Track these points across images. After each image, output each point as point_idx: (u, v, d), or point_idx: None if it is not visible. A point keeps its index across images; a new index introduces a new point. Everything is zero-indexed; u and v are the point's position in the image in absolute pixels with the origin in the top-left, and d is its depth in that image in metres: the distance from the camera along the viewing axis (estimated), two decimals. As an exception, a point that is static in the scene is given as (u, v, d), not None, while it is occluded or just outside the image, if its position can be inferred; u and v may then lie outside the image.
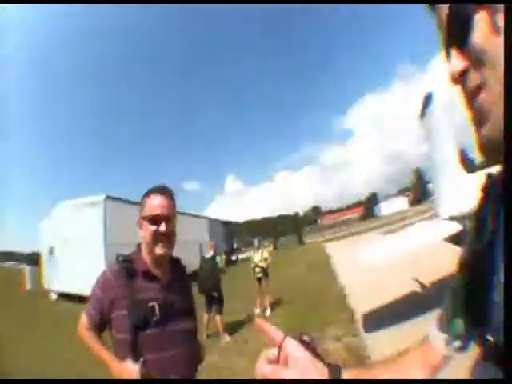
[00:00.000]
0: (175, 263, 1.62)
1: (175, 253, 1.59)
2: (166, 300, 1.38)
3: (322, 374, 0.52)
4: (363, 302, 5.94)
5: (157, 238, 1.38)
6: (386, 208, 54.23)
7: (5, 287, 22.22)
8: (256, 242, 8.09)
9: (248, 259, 16.96)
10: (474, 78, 0.42)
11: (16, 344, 6.97)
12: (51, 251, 16.80)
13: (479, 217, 0.53)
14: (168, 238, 1.42)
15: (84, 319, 1.46)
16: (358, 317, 5.37)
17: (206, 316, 5.99)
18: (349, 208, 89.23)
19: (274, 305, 7.45)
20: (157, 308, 1.32)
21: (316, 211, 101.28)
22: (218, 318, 5.88)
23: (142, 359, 1.27)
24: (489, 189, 0.51)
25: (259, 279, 7.36)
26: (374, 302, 5.65)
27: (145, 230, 1.41)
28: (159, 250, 1.39)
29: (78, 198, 14.72)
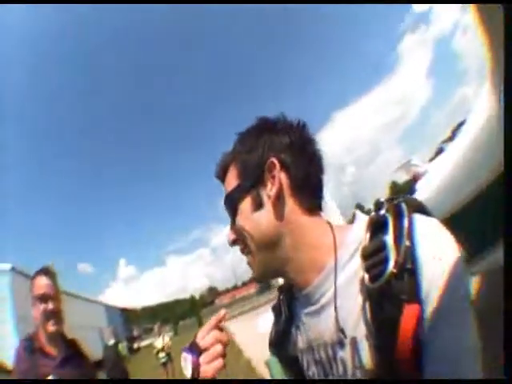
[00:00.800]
0: (71, 342, 1.66)
1: (75, 336, 1.68)
2: (60, 376, 1.42)
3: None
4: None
5: (46, 316, 1.45)
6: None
7: None
8: (156, 328, 8.13)
9: (150, 346, 15.98)
10: (240, 244, 0.66)
11: None
12: None
13: (276, 306, 0.77)
14: (57, 315, 1.49)
15: None
16: None
17: None
18: (244, 284, 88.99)
19: None
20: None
21: (212, 291, 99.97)
22: None
23: None
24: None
25: (164, 364, 7.38)
26: None
27: (35, 308, 1.47)
28: (50, 327, 1.46)
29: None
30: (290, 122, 0.64)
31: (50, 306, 1.45)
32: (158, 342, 7.57)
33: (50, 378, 1.37)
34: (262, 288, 58.61)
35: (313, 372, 0.63)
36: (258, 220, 0.60)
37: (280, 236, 0.59)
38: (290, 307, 0.70)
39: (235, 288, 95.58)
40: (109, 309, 24.08)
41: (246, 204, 0.62)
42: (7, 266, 12.67)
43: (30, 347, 1.47)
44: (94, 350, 15.37)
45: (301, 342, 0.65)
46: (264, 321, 12.03)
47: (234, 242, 0.67)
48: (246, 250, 0.64)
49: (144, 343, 24.57)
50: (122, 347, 5.82)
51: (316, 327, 0.59)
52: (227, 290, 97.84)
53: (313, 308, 0.59)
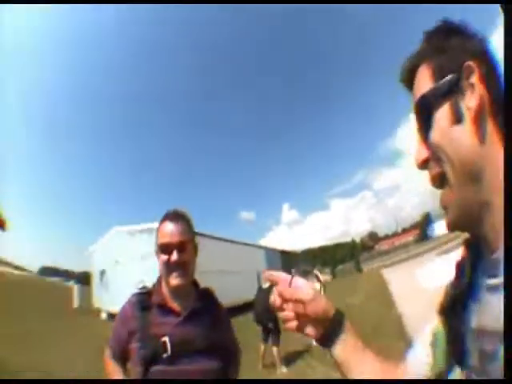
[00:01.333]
0: (202, 295, 1.46)
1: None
2: (181, 336, 1.25)
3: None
4: (421, 329, 5.61)
5: (169, 267, 1.27)
6: (439, 228, 51.79)
7: (52, 302, 22.67)
8: (315, 271, 7.68)
9: None
10: (434, 168, 0.52)
11: (70, 358, 7.22)
12: (102, 273, 18.31)
13: (459, 264, 0.58)
14: (182, 268, 1.28)
15: (108, 348, 1.43)
16: None
17: (262, 347, 5.99)
18: (404, 231, 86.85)
19: None
20: (168, 344, 1.20)
21: (372, 237, 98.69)
22: (274, 349, 5.80)
23: None
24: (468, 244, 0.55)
25: None
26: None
27: (159, 261, 1.31)
28: (173, 280, 1.27)
29: (131, 224, 15.64)
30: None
31: (174, 256, 1.24)
32: (315, 286, 7.60)
33: (164, 339, 1.21)
34: (422, 237, 55.04)
35: (473, 364, 0.47)
36: (458, 138, 0.47)
37: (481, 166, 0.46)
38: (472, 271, 0.53)
39: (395, 234, 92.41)
40: (268, 252, 24.31)
41: (442, 113, 0.49)
42: (155, 225, 13.83)
43: (142, 302, 1.32)
44: (249, 292, 16.74)
45: (472, 322, 0.49)
46: (425, 273, 11.45)
47: (424, 163, 0.53)
48: (439, 179, 0.51)
49: None
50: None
51: (492, 308, 0.44)
52: (387, 236, 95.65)
53: (495, 281, 0.44)
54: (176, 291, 1.31)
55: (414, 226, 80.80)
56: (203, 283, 1.53)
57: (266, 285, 6.22)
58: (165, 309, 1.29)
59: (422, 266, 14.08)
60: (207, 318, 1.36)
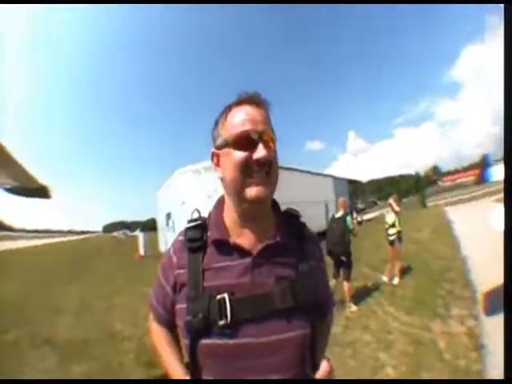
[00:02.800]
0: (282, 221, 0.97)
1: (301, 213, 1.01)
2: (250, 289, 0.81)
3: None
4: (486, 278, 5.42)
5: (248, 170, 0.80)
6: (496, 173, 48.35)
7: (119, 254, 23.49)
8: (390, 200, 7.14)
9: (373, 220, 15.91)
10: None
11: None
12: (168, 216, 18.41)
13: None
14: (266, 172, 0.81)
15: (150, 309, 1.06)
16: (480, 296, 4.88)
17: (333, 281, 5.65)
18: (465, 169, 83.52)
19: (403, 273, 6.93)
20: (227, 303, 0.78)
21: (436, 171, 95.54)
22: (345, 284, 5.49)
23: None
24: None
25: (392, 242, 6.85)
26: (497, 279, 5.19)
27: (226, 163, 0.84)
28: (251, 190, 0.80)
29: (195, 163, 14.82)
30: None
31: (260, 152, 0.79)
32: (390, 218, 6.89)
33: (222, 296, 0.78)
34: (480, 179, 51.83)
35: None
36: None
37: None
38: None
39: (457, 172, 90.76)
40: (336, 181, 23.09)
41: None
42: None
43: (195, 240, 0.90)
44: (318, 223, 16.16)
45: None
46: (487, 217, 11.06)
47: None
48: None
49: (366, 217, 23.87)
50: (350, 220, 5.57)
51: None
52: (450, 173, 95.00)
53: None
54: (249, 212, 0.87)
55: (474, 166, 77.54)
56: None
57: (339, 213, 5.71)
58: (226, 247, 0.87)
59: (484, 210, 13.53)
60: (292, 255, 0.90)
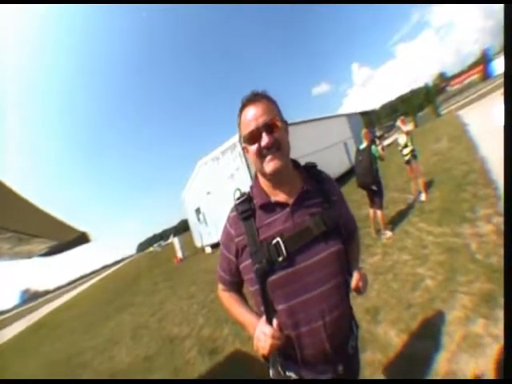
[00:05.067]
0: (306, 174, 1.29)
1: (320, 160, 1.18)
2: (293, 228, 1.11)
3: None
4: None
5: (262, 154, 1.12)
6: (499, 66, 46.40)
7: (158, 266, 23.39)
8: (397, 123, 7.31)
9: (393, 144, 15.37)
10: None
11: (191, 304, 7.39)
12: (197, 211, 18.62)
13: None
14: (276, 148, 1.11)
15: (218, 282, 1.38)
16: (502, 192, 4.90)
17: (371, 211, 6.00)
18: (469, 69, 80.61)
19: (428, 187, 7.12)
20: (281, 244, 1.08)
21: (442, 78, 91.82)
22: (378, 213, 5.76)
23: (274, 320, 1.08)
24: None
25: (408, 162, 7.02)
26: None
27: (249, 153, 1.18)
28: (269, 165, 1.12)
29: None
30: None
31: (265, 139, 1.09)
32: (402, 139, 7.03)
33: (276, 240, 1.09)
34: (484, 75, 49.90)
35: None
36: None
37: None
38: None
39: (461, 73, 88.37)
40: (349, 117, 22.76)
41: None
42: (235, 138, 12.24)
43: (244, 211, 1.20)
44: (341, 164, 17.20)
45: None
46: (496, 113, 10.87)
47: None
48: None
49: (386, 142, 23.39)
50: (375, 148, 5.69)
51: None
52: (456, 75, 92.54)
53: None
54: (275, 180, 1.18)
55: (476, 63, 74.54)
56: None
57: (363, 145, 5.84)
58: (269, 206, 1.17)
59: (492, 107, 13.27)
60: (317, 197, 1.21)
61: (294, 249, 1.08)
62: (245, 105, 1.15)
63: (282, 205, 1.16)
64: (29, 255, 2.65)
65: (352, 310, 1.27)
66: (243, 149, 1.23)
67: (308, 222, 1.11)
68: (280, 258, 1.07)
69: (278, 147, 1.11)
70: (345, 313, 1.15)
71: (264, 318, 1.11)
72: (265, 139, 1.09)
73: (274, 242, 1.08)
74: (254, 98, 1.15)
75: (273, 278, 1.08)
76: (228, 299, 1.33)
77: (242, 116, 1.15)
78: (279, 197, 1.18)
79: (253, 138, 1.11)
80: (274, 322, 1.07)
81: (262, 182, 1.24)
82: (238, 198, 1.26)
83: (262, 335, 1.04)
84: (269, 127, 1.10)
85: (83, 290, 46.28)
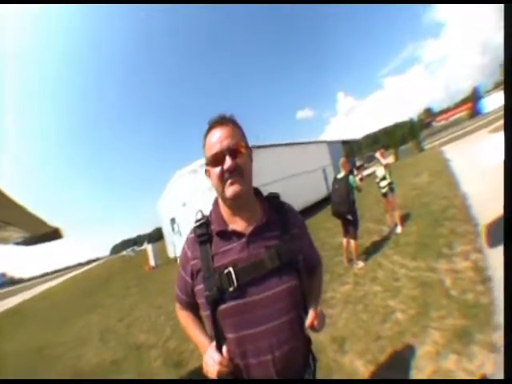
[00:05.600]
0: (267, 204, 1.27)
1: (298, 185, 1.16)
2: (247, 259, 1.09)
3: None
4: (486, 212, 5.50)
5: (223, 178, 1.10)
6: (489, 104, 48.42)
7: (130, 271, 23.13)
8: (376, 154, 7.31)
9: (372, 174, 15.83)
10: None
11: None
12: (173, 221, 18.37)
13: None
14: (237, 174, 1.09)
15: (176, 300, 1.37)
16: (482, 228, 4.99)
17: (344, 240, 5.92)
18: (457, 106, 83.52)
19: (404, 220, 7.07)
20: (233, 274, 1.07)
21: (429, 113, 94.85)
22: (352, 242, 5.67)
23: (224, 347, 1.09)
24: None
25: (385, 194, 6.99)
26: (497, 212, 5.13)
27: (211, 176, 1.15)
28: (229, 190, 1.10)
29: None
30: None
31: (228, 162, 1.06)
32: (380, 171, 7.03)
33: (228, 270, 1.08)
34: (473, 112, 51.49)
35: None
36: None
37: None
38: None
39: (448, 110, 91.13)
40: (330, 145, 23.17)
41: None
42: None
43: (202, 235, 1.18)
44: (318, 190, 16.91)
45: None
46: (482, 151, 10.98)
47: None
48: None
49: (366, 172, 23.79)
50: (352, 178, 5.62)
51: None
52: (442, 111, 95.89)
53: None
54: (235, 206, 1.16)
55: (465, 100, 77.34)
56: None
57: (341, 174, 5.75)
58: (226, 234, 1.15)
59: (477, 144, 13.48)
60: (277, 229, 1.18)
61: (245, 280, 1.06)
62: (211, 127, 1.14)
63: (239, 234, 1.14)
64: (5, 241, 2.93)
65: (310, 344, 1.27)
66: (206, 171, 1.20)
67: (263, 254, 1.10)
68: (231, 288, 1.05)
69: (241, 172, 1.10)
70: (298, 348, 1.13)
71: (214, 343, 1.11)
72: (228, 163, 1.07)
73: (227, 271, 1.07)
74: (221, 121, 1.14)
75: (223, 307, 1.06)
76: (185, 318, 1.33)
77: (207, 138, 1.14)
78: (237, 225, 1.16)
79: (216, 160, 1.10)
80: (224, 349, 1.08)
81: (222, 207, 1.22)
82: (197, 221, 1.24)
83: (211, 360, 1.06)
84: (233, 151, 1.09)
85: (57, 283, 47.07)
